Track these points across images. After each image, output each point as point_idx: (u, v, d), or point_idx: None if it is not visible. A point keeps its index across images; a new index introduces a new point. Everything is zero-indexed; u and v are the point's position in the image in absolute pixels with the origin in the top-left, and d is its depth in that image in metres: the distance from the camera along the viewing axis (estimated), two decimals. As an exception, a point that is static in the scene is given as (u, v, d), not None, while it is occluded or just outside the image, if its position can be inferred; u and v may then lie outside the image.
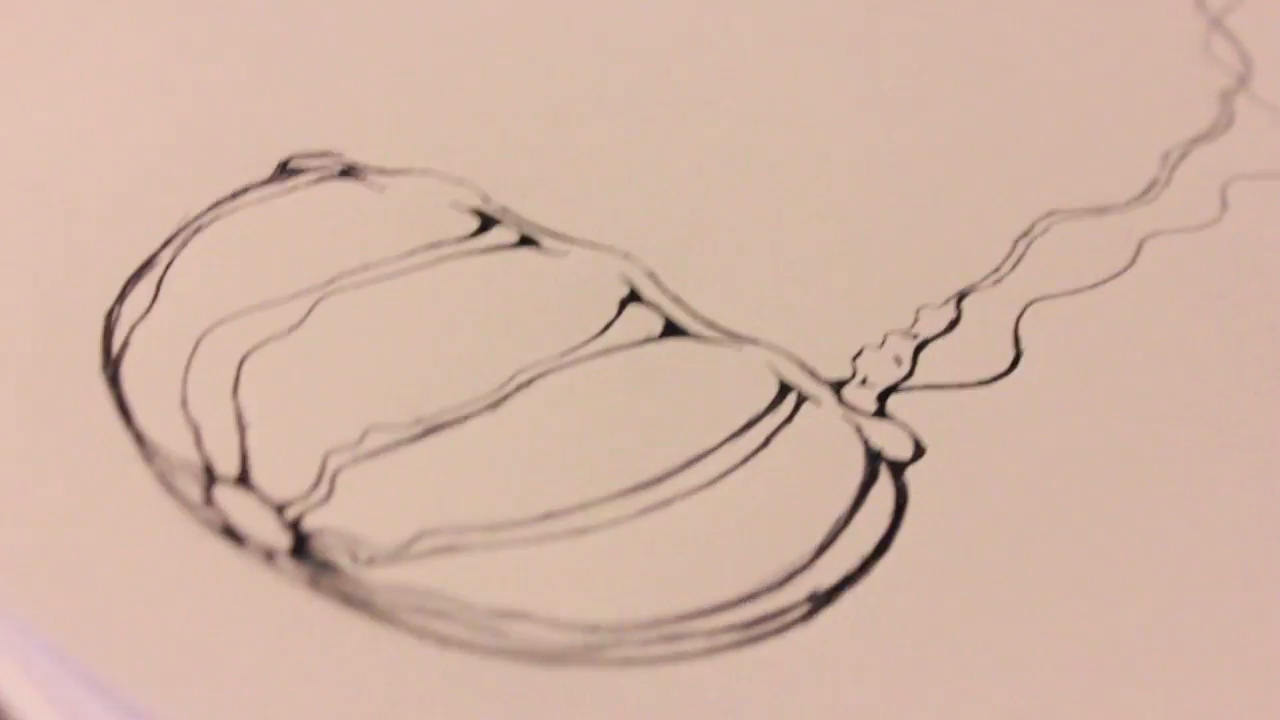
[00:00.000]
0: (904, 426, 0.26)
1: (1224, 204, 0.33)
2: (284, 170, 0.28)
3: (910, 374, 0.27)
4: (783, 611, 0.22)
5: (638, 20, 0.34)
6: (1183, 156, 0.34)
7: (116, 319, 0.24)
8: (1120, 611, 0.23)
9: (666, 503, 0.24)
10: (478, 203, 0.28)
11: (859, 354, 0.27)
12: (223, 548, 0.22)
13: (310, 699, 0.20)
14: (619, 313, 0.27)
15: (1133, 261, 0.30)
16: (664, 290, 0.27)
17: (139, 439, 0.23)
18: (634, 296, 0.27)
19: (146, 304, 0.25)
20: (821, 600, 0.23)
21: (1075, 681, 0.22)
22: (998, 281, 0.29)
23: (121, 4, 0.31)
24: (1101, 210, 0.32)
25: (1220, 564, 0.24)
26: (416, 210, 0.28)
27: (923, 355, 0.28)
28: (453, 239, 0.27)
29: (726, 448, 0.25)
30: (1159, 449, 0.26)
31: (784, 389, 0.26)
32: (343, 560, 0.22)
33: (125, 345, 0.24)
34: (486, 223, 0.28)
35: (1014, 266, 0.30)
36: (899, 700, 0.21)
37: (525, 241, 0.28)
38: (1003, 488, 0.25)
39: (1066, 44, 0.36)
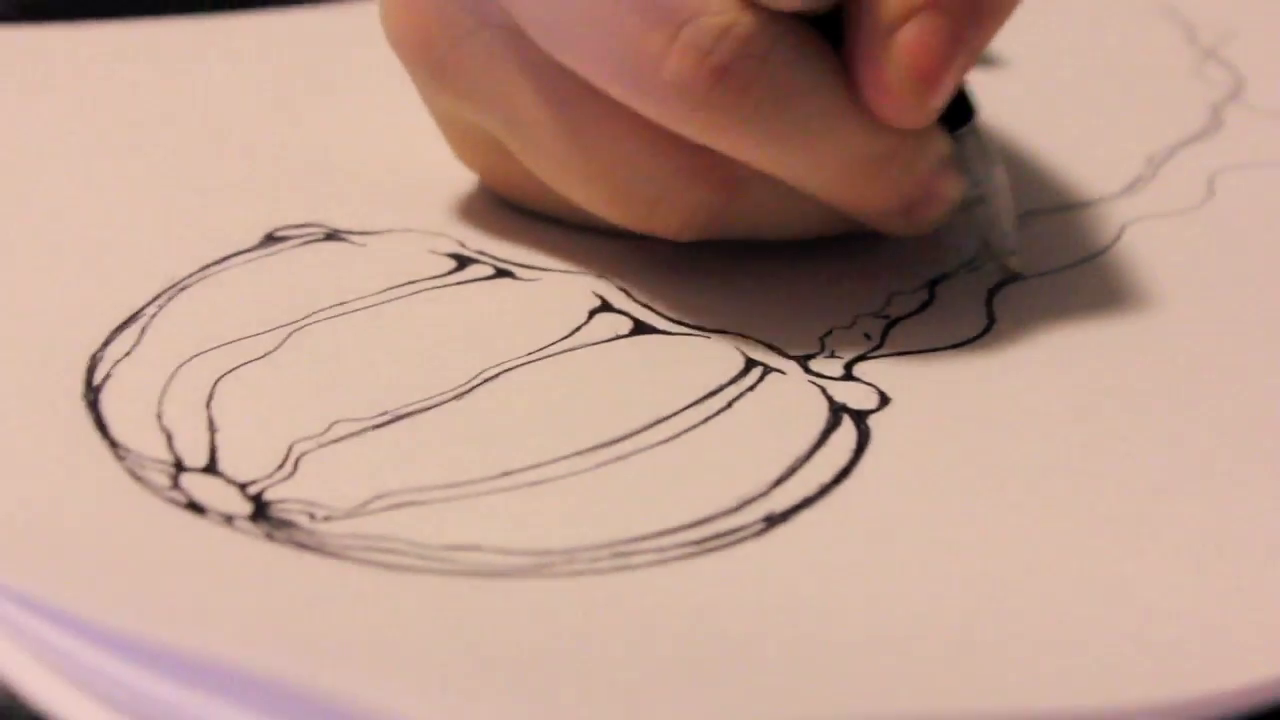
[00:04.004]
0: (869, 384, 0.27)
1: (1211, 191, 0.33)
2: (270, 239, 0.30)
3: (879, 345, 0.28)
4: (735, 530, 0.23)
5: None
6: (1169, 157, 0.35)
7: (99, 359, 0.26)
8: (1059, 528, 0.24)
9: (624, 457, 0.25)
10: (454, 248, 0.30)
11: (828, 334, 0.28)
12: (185, 517, 0.23)
13: (263, 611, 0.21)
14: (588, 320, 0.28)
15: (1114, 243, 0.31)
16: (634, 300, 0.29)
17: (112, 444, 0.24)
18: (605, 307, 0.29)
19: (130, 346, 0.27)
20: (776, 520, 0.23)
21: (1014, 591, 0.22)
22: (974, 269, 0.30)
23: (130, 110, 0.34)
24: (1084, 205, 0.33)
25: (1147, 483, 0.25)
26: (395, 258, 0.30)
27: (895, 330, 0.28)
28: (427, 277, 0.29)
29: (688, 411, 0.26)
30: (1110, 397, 0.27)
31: (750, 364, 0.27)
32: (299, 519, 0.23)
33: (107, 378, 0.26)
34: (463, 262, 0.30)
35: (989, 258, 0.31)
36: (847, 600, 0.22)
37: (501, 274, 0.29)
38: (965, 434, 0.26)
39: (1072, 97, 0.38)
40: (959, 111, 0.28)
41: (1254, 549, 0.23)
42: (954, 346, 0.28)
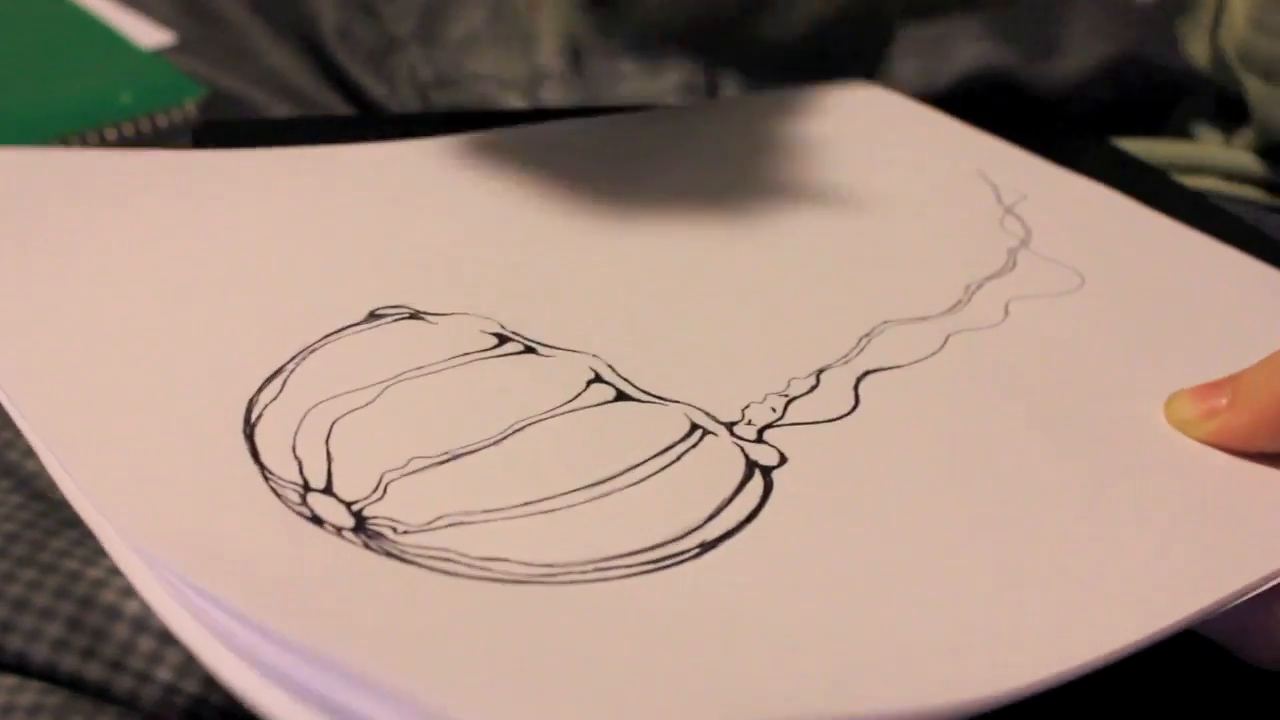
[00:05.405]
0: (774, 446, 0.27)
1: (1005, 313, 0.33)
2: (372, 316, 0.30)
3: (781, 416, 0.28)
4: (680, 553, 0.23)
5: (610, 214, 0.36)
6: (979, 287, 0.35)
7: (254, 402, 0.26)
8: (903, 553, 0.24)
9: (606, 494, 0.25)
10: (496, 329, 0.30)
11: (747, 406, 0.28)
12: (310, 527, 0.23)
13: (360, 608, 0.21)
14: (586, 388, 0.28)
15: (940, 348, 0.31)
16: (618, 374, 0.29)
17: (262, 469, 0.24)
18: (597, 379, 0.28)
19: (276, 393, 0.26)
20: (708, 546, 0.23)
21: (875, 602, 0.22)
22: (846, 362, 0.30)
23: (274, 223, 0.33)
24: (922, 319, 0.33)
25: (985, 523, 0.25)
26: (456, 334, 0.29)
27: (792, 406, 0.28)
28: (478, 350, 0.29)
29: (650, 462, 0.26)
30: (936, 448, 0.27)
31: (693, 427, 0.27)
32: (387, 531, 0.23)
33: (260, 417, 0.26)
34: (502, 340, 0.29)
35: (859, 353, 0.31)
36: (750, 599, 0.22)
37: (528, 350, 0.29)
38: (837, 478, 0.26)
39: (915, 232, 0.38)
40: None
41: (1043, 577, 0.23)
42: (831, 421, 0.28)
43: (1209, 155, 0.47)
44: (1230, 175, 0.46)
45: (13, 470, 0.33)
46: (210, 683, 0.29)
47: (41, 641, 0.30)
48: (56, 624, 0.30)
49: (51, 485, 0.34)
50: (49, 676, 0.30)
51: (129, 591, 0.31)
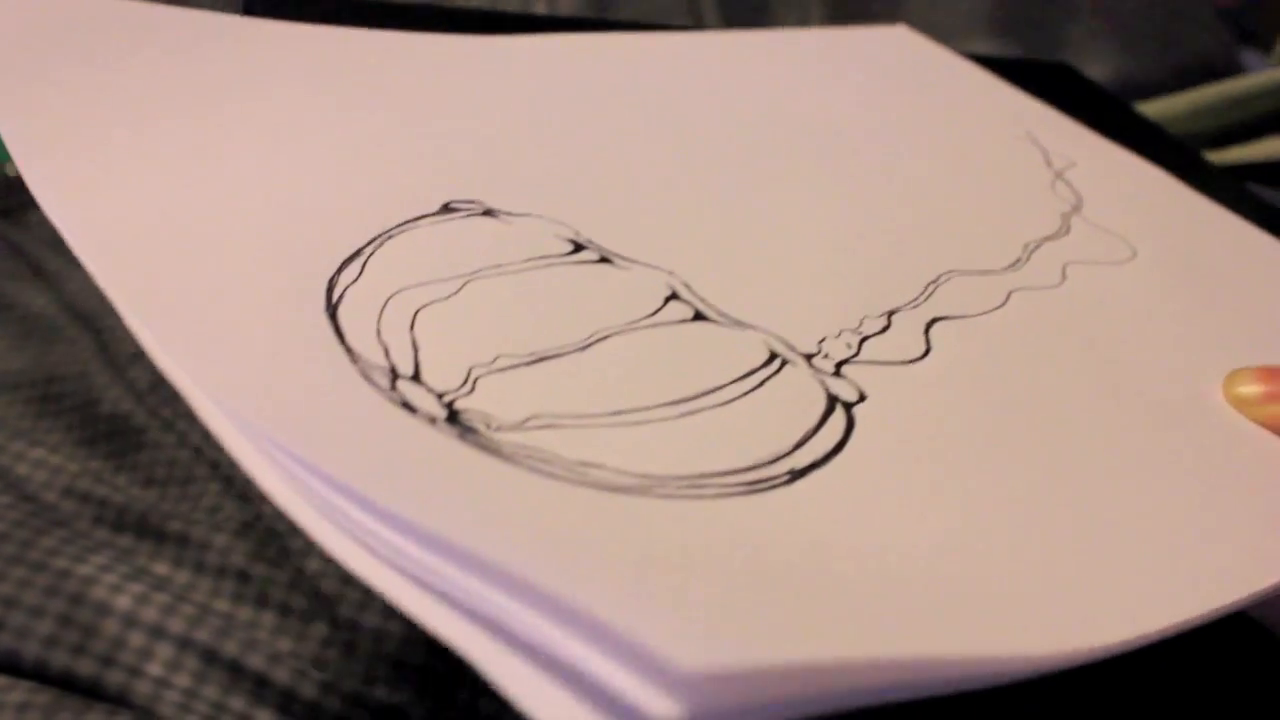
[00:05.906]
0: (853, 382, 0.27)
1: (1063, 276, 0.33)
2: (446, 209, 0.29)
3: (856, 354, 0.28)
4: (772, 478, 0.23)
5: (681, 132, 0.35)
6: (1037, 247, 0.35)
7: (335, 283, 0.25)
8: (975, 493, 0.24)
9: (694, 412, 0.24)
10: (572, 235, 0.29)
11: (823, 340, 0.28)
12: (403, 415, 0.22)
13: (464, 497, 0.20)
14: (664, 305, 0.28)
15: (1004, 303, 0.31)
16: (695, 294, 0.28)
17: (349, 351, 0.23)
18: (674, 296, 0.28)
19: (355, 276, 0.26)
20: (797, 475, 0.23)
21: (957, 531, 0.22)
22: (915, 307, 0.30)
23: (352, 108, 0.32)
24: (985, 273, 0.33)
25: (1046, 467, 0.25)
26: (531, 238, 0.29)
27: (865, 345, 0.28)
28: (554, 255, 0.28)
29: (733, 385, 0.25)
30: (1005, 401, 0.27)
31: (772, 355, 0.27)
32: (480, 426, 0.22)
33: (341, 298, 0.25)
34: (578, 247, 0.29)
35: (927, 299, 0.30)
36: (841, 531, 0.22)
37: (603, 260, 0.29)
38: (914, 420, 0.26)
39: (972, 186, 0.38)
40: None
41: (1106, 544, 0.24)
42: (906, 363, 0.28)
43: (1228, 89, 0.48)
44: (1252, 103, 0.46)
45: (2, 473, 0.33)
46: (200, 676, 0.29)
47: (32, 639, 0.29)
48: (47, 621, 0.29)
49: (41, 487, 0.33)
50: (40, 673, 0.29)
51: (118, 588, 0.30)
